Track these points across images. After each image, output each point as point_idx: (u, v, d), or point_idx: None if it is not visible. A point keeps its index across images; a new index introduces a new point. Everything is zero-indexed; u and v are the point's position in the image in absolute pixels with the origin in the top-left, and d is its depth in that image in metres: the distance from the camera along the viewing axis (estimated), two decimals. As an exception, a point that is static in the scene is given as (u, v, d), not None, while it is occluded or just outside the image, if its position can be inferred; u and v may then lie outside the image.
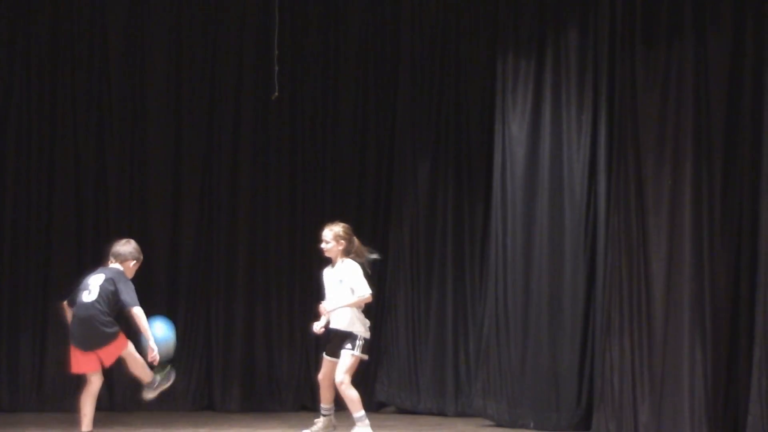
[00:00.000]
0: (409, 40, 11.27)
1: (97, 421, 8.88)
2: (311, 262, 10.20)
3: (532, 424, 10.03)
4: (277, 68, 10.82)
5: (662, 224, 8.84)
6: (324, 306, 9.23)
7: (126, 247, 8.89)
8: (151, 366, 8.82)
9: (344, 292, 9.19)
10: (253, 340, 11.19)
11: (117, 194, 11.11)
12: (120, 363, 8.89)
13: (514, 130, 10.38)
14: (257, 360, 11.17)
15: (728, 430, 8.41)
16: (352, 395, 9.12)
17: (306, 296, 10.95)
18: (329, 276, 9.33)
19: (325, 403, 9.46)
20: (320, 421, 9.48)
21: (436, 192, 11.12)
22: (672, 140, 8.86)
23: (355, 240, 9.35)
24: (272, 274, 11.24)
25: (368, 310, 9.41)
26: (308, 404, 10.90)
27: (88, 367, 8.74)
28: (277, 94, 10.86)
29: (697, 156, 8.72)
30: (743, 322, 8.62)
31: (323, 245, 9.33)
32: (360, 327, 9.20)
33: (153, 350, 8.68)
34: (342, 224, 9.37)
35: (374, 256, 9.37)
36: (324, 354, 9.36)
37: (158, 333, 8.84)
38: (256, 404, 11.10)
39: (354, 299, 9.15)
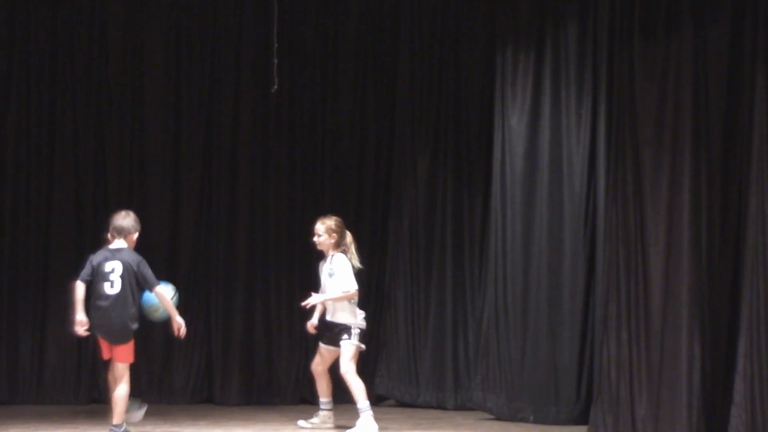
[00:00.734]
0: (408, 33, 11.26)
1: (96, 414, 8.90)
2: (310, 254, 10.19)
3: (531, 418, 10.03)
4: (276, 61, 10.81)
5: (660, 217, 8.79)
6: (309, 300, 9.30)
7: (127, 220, 8.98)
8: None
9: (334, 285, 9.24)
10: (252, 333, 11.18)
11: (116, 188, 11.12)
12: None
13: (513, 123, 10.37)
14: (257, 353, 11.17)
15: (725, 423, 8.37)
16: (357, 384, 9.14)
17: (305, 289, 10.87)
18: (322, 269, 9.39)
19: (324, 396, 9.48)
20: (319, 416, 9.51)
21: (436, 185, 11.10)
22: (671, 133, 8.82)
23: (348, 234, 9.39)
24: (272, 267, 11.24)
25: (366, 303, 9.42)
26: (308, 397, 10.89)
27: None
28: (276, 86, 10.85)
29: (696, 148, 8.68)
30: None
31: (315, 238, 9.39)
32: (353, 318, 9.25)
33: (181, 324, 8.81)
34: (334, 218, 9.40)
35: (358, 265, 9.39)
36: (320, 342, 9.42)
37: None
38: (256, 397, 11.10)
39: (338, 294, 9.19)
